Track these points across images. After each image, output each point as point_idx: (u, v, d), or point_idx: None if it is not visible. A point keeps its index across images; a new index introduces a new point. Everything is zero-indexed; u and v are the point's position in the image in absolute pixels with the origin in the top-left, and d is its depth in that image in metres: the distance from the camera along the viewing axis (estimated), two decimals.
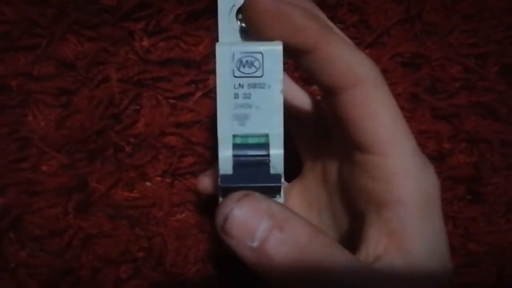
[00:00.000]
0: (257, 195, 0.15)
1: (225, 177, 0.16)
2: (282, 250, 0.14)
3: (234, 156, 0.16)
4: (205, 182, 0.22)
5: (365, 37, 0.31)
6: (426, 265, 0.15)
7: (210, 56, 0.30)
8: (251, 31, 0.16)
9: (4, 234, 0.27)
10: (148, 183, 0.29)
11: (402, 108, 0.31)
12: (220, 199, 0.17)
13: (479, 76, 0.32)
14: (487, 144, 0.31)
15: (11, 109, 0.28)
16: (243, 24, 0.17)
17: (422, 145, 0.31)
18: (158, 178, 0.29)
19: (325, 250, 0.14)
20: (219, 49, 0.16)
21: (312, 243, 0.14)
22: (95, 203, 0.28)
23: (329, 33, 0.16)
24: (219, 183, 0.16)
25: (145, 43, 0.30)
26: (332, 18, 0.31)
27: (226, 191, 0.16)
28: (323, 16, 0.17)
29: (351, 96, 0.16)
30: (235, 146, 0.16)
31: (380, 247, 0.15)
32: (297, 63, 0.17)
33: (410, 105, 0.31)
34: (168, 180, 0.29)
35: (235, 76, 0.16)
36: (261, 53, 0.16)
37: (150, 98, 0.29)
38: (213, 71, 0.31)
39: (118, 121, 0.29)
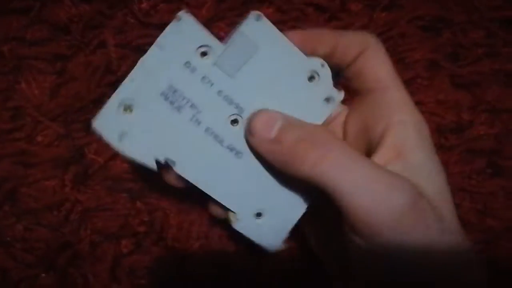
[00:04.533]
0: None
1: None
2: (293, 135, 0.18)
3: None
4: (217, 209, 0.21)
5: None
6: (421, 167, 0.18)
7: (214, 19, 0.28)
8: None
9: None
10: None
11: (419, 76, 0.29)
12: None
13: (503, 42, 0.30)
14: (510, 115, 0.29)
15: (3, 76, 0.27)
16: None
17: (440, 116, 0.29)
18: None
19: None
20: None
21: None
22: (93, 175, 0.27)
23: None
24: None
25: (145, 5, 0.28)
26: None
27: None
28: None
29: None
30: None
31: (383, 159, 0.18)
32: None
33: (428, 73, 0.29)
34: None
35: None
36: None
37: None
38: (216, 36, 0.29)
39: (116, 89, 0.27)
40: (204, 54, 0.18)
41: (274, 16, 0.28)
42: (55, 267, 0.26)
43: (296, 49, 0.19)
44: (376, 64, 0.20)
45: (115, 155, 0.27)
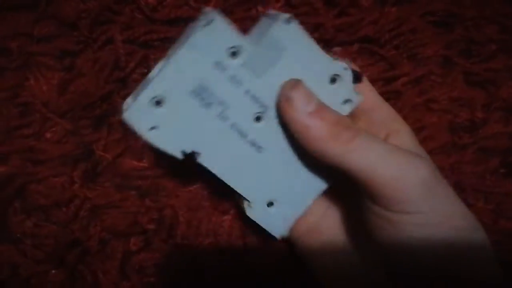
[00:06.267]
0: None
1: None
2: (331, 116, 0.19)
3: None
4: None
5: None
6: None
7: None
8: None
9: (9, 204, 0.26)
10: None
11: (432, 72, 0.29)
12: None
13: None
14: None
15: (11, 72, 0.26)
16: None
17: (453, 114, 0.28)
18: None
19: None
20: None
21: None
22: (102, 172, 0.27)
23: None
24: None
25: (152, 0, 0.27)
26: None
27: None
28: None
29: None
30: None
31: None
32: None
33: (441, 70, 0.28)
34: None
35: None
36: None
37: (158, 60, 0.27)
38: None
39: (124, 86, 0.27)
40: (234, 54, 0.18)
41: (283, 11, 0.28)
42: (64, 263, 0.26)
43: (321, 52, 0.20)
44: (364, 91, 0.22)
45: (124, 152, 0.27)
